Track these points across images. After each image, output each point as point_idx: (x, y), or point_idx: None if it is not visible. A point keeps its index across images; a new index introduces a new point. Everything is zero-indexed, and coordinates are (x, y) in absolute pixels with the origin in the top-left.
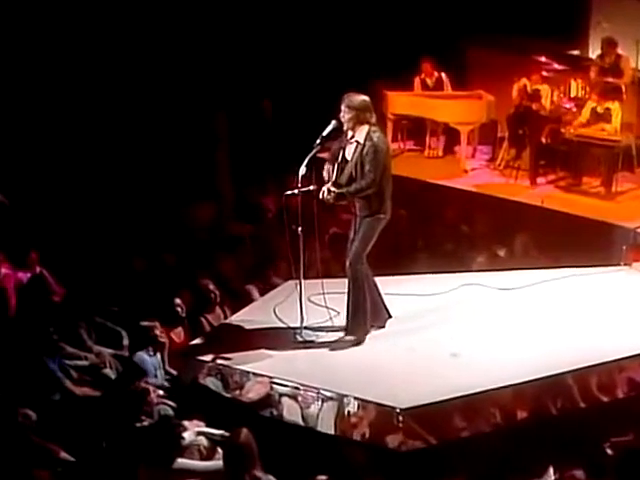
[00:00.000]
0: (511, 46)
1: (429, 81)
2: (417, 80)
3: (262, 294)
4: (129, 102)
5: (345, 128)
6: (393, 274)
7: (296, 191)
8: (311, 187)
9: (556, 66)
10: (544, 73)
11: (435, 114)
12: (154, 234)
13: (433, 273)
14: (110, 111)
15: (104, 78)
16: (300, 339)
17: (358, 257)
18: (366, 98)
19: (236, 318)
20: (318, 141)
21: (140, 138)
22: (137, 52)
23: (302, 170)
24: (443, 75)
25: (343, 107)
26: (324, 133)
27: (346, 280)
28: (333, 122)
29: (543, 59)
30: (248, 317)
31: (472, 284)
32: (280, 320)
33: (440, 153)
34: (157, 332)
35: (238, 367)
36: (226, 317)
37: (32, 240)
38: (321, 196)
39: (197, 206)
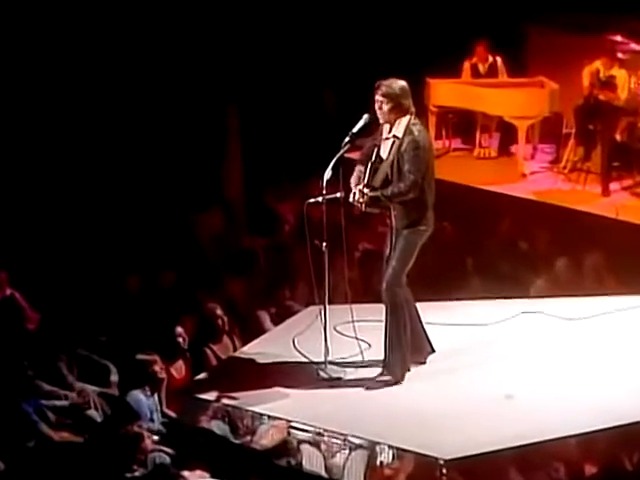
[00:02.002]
0: (580, 24)
1: (481, 67)
2: (466, 65)
3: (278, 322)
4: (124, 93)
5: (381, 121)
6: (436, 299)
7: (320, 198)
8: (338, 194)
9: (634, 47)
10: (620, 56)
11: (487, 106)
12: (150, 248)
13: (484, 299)
14: (103, 103)
15: (101, 72)
16: (324, 376)
17: (396, 278)
18: (405, 83)
19: (247, 350)
20: (347, 139)
21: (134, 132)
22: (137, 43)
23: (327, 173)
24: (498, 60)
25: (378, 96)
26: (354, 129)
27: (381, 306)
28: (365, 116)
29: (619, 39)
30: (262, 349)
31: (531, 312)
32: (300, 353)
33: (493, 153)
34: (156, 368)
35: (249, 408)
36: (235, 349)
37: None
38: (352, 199)
39: (201, 214)
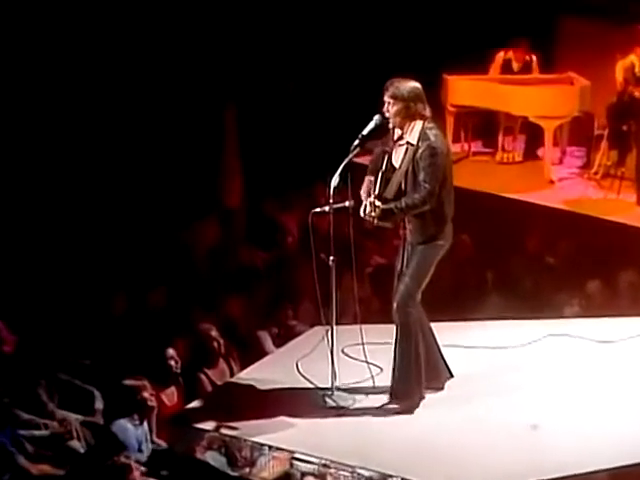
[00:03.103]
0: (614, 12)
1: (515, 64)
2: (498, 58)
3: (280, 344)
4: (113, 96)
5: (391, 125)
6: (454, 320)
7: (327, 208)
8: (347, 203)
9: None
10: None
11: (511, 105)
12: (138, 262)
13: (506, 319)
14: (89, 107)
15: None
16: (331, 404)
17: (409, 297)
18: (417, 85)
19: (246, 375)
20: (356, 142)
21: (121, 133)
22: (131, 47)
23: (335, 181)
24: (534, 58)
25: (387, 97)
26: (364, 132)
27: (393, 327)
28: (376, 117)
29: None
30: (262, 374)
31: (560, 334)
32: (304, 378)
33: (517, 157)
34: (145, 394)
35: (248, 438)
36: (233, 374)
37: None
38: (362, 213)
39: (196, 226)
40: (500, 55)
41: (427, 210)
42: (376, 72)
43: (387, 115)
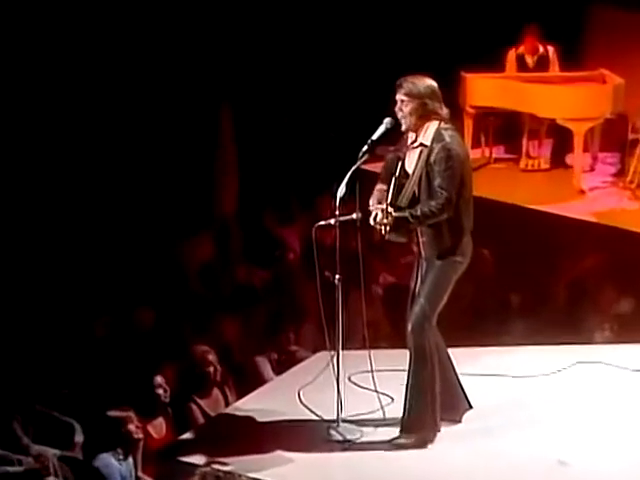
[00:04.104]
0: None
1: (529, 58)
2: (511, 55)
3: (281, 371)
4: (96, 102)
5: (403, 127)
6: (474, 345)
7: (332, 221)
8: (354, 215)
9: None
10: None
11: (536, 106)
12: (124, 280)
13: (531, 345)
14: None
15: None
16: (336, 436)
17: (425, 319)
18: (433, 82)
19: (243, 405)
20: (365, 148)
21: (107, 142)
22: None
23: (341, 190)
24: (550, 49)
25: (400, 96)
26: (374, 137)
27: (406, 352)
28: (386, 121)
29: None
30: (260, 403)
31: (590, 362)
32: (307, 408)
33: (543, 164)
34: (130, 426)
35: (244, 474)
36: (228, 403)
37: None
38: (372, 221)
39: (188, 240)
40: (512, 52)
41: (443, 220)
42: (383, 72)
43: (400, 115)
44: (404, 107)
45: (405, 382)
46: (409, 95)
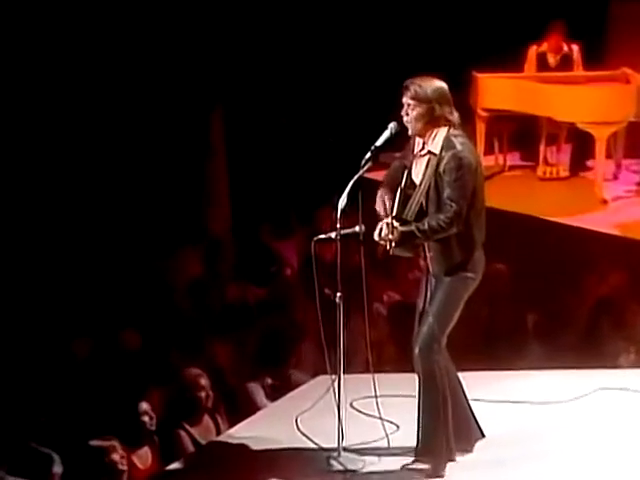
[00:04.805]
0: None
1: (552, 58)
2: (531, 53)
3: (277, 397)
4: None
5: (410, 131)
6: (486, 369)
7: (333, 234)
8: (356, 228)
9: None
10: None
11: (555, 109)
12: (107, 298)
13: (549, 369)
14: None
15: None
16: (337, 467)
17: (434, 341)
18: (443, 84)
19: (236, 432)
20: (368, 155)
21: (89, 150)
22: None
23: (342, 202)
24: (575, 48)
25: (407, 99)
26: (377, 143)
27: (413, 376)
28: (391, 125)
29: None
30: (254, 431)
31: (614, 388)
32: (305, 436)
33: (563, 172)
34: (114, 456)
35: None
36: (219, 431)
37: None
38: (376, 236)
39: (176, 255)
40: (533, 49)
41: (453, 234)
42: (387, 71)
43: (406, 120)
44: (410, 111)
45: (417, 409)
46: (416, 99)
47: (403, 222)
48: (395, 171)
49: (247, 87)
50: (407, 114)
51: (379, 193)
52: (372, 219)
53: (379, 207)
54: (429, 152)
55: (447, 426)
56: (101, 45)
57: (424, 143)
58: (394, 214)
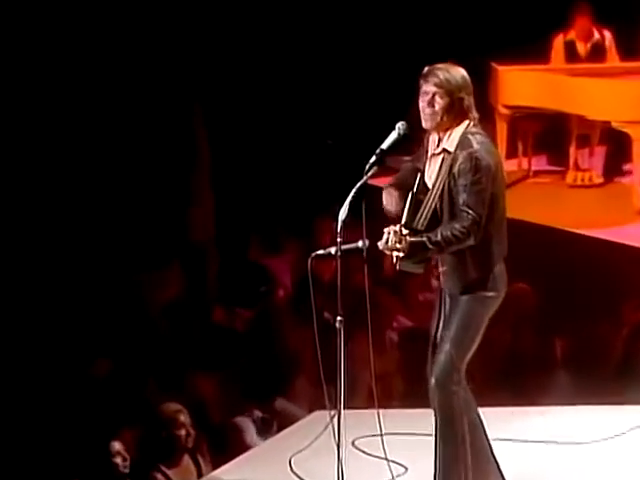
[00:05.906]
0: None
1: (581, 46)
2: (557, 43)
3: (268, 435)
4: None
5: (428, 126)
6: (509, 404)
7: (332, 250)
8: (359, 242)
9: None
10: None
11: (586, 106)
12: (74, 321)
13: (580, 404)
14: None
15: None
16: None
17: (453, 370)
18: (465, 73)
19: (221, 475)
20: (374, 158)
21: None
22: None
23: (344, 212)
24: (607, 35)
25: (430, 87)
26: (384, 145)
27: (426, 412)
28: (399, 126)
29: None
30: (242, 474)
31: None
32: (300, 479)
33: (596, 179)
34: None
35: None
36: (201, 474)
37: None
38: (382, 245)
39: (151, 273)
40: (560, 37)
41: (469, 246)
42: (392, 64)
43: (427, 112)
44: (436, 102)
45: (434, 449)
46: (443, 87)
47: (414, 232)
48: (406, 173)
49: (229, 84)
50: (430, 104)
51: (385, 189)
52: (378, 232)
53: (387, 203)
54: (444, 150)
55: (467, 468)
56: (80, 50)
57: (439, 140)
58: (403, 222)
